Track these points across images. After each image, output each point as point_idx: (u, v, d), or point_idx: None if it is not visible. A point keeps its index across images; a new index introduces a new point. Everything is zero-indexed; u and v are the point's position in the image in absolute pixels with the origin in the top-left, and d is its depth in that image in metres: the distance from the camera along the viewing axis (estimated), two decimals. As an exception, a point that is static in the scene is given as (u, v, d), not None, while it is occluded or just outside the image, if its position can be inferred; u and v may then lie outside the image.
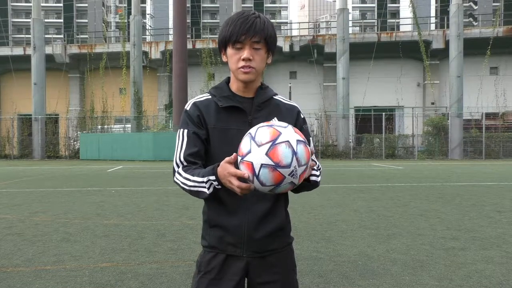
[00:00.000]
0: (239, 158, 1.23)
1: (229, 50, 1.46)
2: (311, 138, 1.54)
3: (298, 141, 1.21)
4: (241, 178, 1.22)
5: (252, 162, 1.19)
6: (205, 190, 1.34)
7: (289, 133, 1.22)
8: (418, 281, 3.43)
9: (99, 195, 8.73)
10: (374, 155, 26.06)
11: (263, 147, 1.18)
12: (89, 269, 3.76)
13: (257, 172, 1.18)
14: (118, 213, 6.63)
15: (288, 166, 1.17)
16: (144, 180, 12.06)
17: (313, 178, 1.42)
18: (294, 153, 1.19)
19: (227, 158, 1.27)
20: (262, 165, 1.17)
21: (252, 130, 1.25)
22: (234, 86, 1.52)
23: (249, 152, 1.20)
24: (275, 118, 1.48)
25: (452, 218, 6.12)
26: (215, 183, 1.32)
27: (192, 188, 1.38)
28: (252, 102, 1.50)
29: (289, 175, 1.19)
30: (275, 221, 1.48)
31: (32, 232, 5.28)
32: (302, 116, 1.57)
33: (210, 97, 1.52)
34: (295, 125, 1.52)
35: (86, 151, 25.22)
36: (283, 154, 1.17)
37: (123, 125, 30.08)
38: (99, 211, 6.82)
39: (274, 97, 1.55)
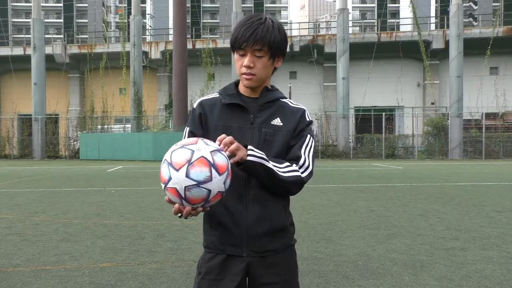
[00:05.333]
0: (163, 186, 1.25)
1: (235, 55, 1.50)
2: (312, 141, 1.53)
3: (212, 152, 1.23)
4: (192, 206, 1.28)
5: (175, 188, 1.21)
6: None
7: (201, 147, 1.23)
8: (418, 281, 3.43)
9: (99, 195, 8.72)
10: (374, 155, 26.06)
11: (182, 170, 1.19)
12: (89, 269, 3.76)
13: (183, 195, 1.21)
14: (118, 213, 6.63)
15: (210, 179, 1.20)
16: (144, 180, 12.05)
17: (250, 158, 1.33)
18: (212, 165, 1.20)
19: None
20: (186, 188, 1.20)
21: (167, 156, 1.25)
22: (241, 86, 1.55)
23: (170, 178, 1.21)
24: (278, 118, 1.50)
25: (452, 218, 6.12)
26: None
27: None
28: (256, 101, 1.52)
29: (214, 186, 1.21)
30: (274, 220, 1.48)
31: (32, 232, 5.28)
32: (308, 119, 1.54)
33: (218, 96, 1.56)
34: (294, 125, 1.51)
35: (86, 151, 25.21)
36: (201, 171, 1.19)
37: (123, 125, 30.07)
38: (99, 211, 6.82)
39: (282, 99, 1.55)
